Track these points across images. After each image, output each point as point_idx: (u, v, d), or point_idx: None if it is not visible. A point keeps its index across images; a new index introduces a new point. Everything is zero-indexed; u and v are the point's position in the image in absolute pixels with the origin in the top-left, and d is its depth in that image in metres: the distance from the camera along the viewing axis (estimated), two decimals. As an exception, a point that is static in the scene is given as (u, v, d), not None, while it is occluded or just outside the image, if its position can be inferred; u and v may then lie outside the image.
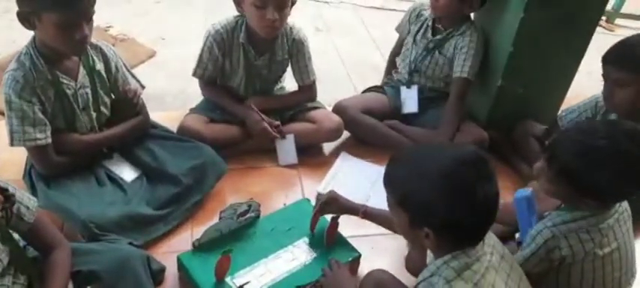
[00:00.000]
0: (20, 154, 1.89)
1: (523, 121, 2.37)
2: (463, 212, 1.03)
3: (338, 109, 2.38)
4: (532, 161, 2.10)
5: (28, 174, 1.86)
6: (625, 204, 1.38)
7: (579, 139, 1.23)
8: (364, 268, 1.74)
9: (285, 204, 1.99)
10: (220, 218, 1.77)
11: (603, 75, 1.79)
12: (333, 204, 1.71)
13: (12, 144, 1.72)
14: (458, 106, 2.30)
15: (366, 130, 2.38)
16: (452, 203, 1.03)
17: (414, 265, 1.58)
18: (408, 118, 2.43)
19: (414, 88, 2.42)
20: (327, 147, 2.41)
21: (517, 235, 1.55)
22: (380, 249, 1.88)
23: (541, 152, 1.33)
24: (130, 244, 1.67)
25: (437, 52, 2.36)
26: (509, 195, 2.17)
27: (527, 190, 1.46)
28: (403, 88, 2.44)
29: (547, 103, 2.45)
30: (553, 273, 1.36)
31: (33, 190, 1.80)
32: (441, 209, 1.04)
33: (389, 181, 1.16)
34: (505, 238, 1.52)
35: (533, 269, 1.34)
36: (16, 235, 1.41)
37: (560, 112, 2.09)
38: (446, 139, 2.24)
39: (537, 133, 2.32)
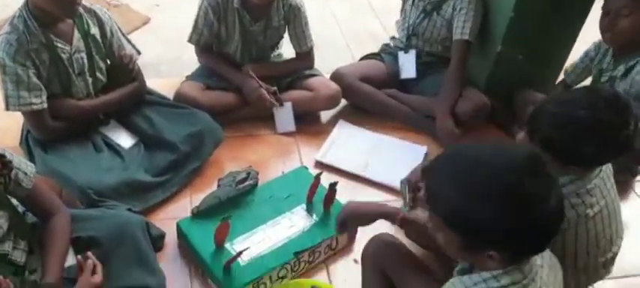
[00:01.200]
0: (17, 121, 1.87)
1: (523, 90, 2.37)
2: (532, 226, 0.88)
3: (335, 76, 2.36)
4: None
5: (25, 140, 1.84)
6: None
7: (559, 111, 1.22)
8: (362, 234, 1.76)
9: (283, 172, 1.99)
10: (219, 186, 1.77)
11: (603, 8, 1.88)
12: (356, 217, 1.46)
13: (7, 108, 1.71)
14: (460, 71, 2.27)
15: (363, 98, 2.37)
16: (516, 217, 0.87)
17: (415, 233, 1.57)
18: (407, 86, 2.42)
19: (412, 53, 2.40)
20: (325, 115, 2.40)
21: None
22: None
23: (526, 124, 1.31)
24: (129, 210, 1.67)
25: (435, 14, 2.32)
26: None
27: None
28: (401, 53, 2.42)
29: (546, 72, 2.44)
30: None
31: (30, 156, 1.79)
32: (503, 225, 0.87)
33: (432, 198, 0.96)
34: None
35: None
36: (15, 202, 1.42)
37: (565, 66, 2.11)
38: (447, 106, 2.22)
39: (536, 100, 2.32)
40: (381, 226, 1.53)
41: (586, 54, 2.13)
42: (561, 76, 2.38)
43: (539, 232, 0.91)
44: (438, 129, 2.23)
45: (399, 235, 1.59)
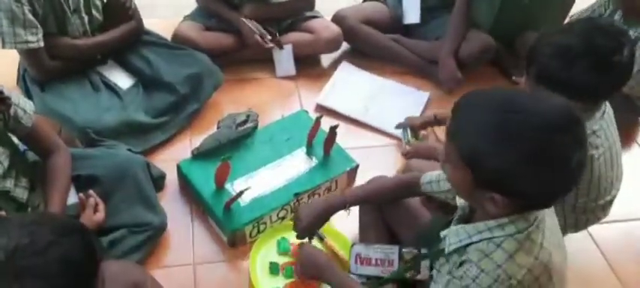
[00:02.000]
0: (13, 59, 1.84)
1: (525, 33, 2.33)
2: (550, 183, 0.86)
3: (337, 18, 2.31)
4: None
5: (22, 79, 1.83)
6: (607, 102, 1.38)
7: (552, 40, 1.21)
8: (360, 178, 1.77)
9: (283, 115, 1.98)
10: (218, 128, 1.77)
11: None
12: (312, 223, 1.37)
13: (3, 46, 1.68)
14: (464, 14, 2.21)
15: (365, 41, 2.33)
16: (537, 172, 0.85)
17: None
18: (410, 31, 2.37)
19: None
20: (326, 59, 2.37)
21: None
22: (376, 160, 1.91)
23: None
24: (129, 150, 1.67)
25: None
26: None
27: None
28: None
29: (551, 16, 2.39)
30: None
31: (28, 95, 1.78)
32: (522, 180, 0.85)
33: (458, 133, 0.92)
34: None
35: None
36: (15, 140, 1.42)
37: (570, 17, 2.06)
38: (450, 49, 2.17)
39: None
40: (372, 173, 1.54)
41: (593, 9, 2.04)
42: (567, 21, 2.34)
43: (555, 190, 0.89)
44: (440, 72, 2.20)
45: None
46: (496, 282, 0.90)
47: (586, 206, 1.39)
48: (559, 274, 0.97)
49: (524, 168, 0.84)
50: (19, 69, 1.87)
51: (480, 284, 0.91)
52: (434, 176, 1.26)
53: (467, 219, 1.05)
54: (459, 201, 1.09)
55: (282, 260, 1.51)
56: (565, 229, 1.42)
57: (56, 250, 0.72)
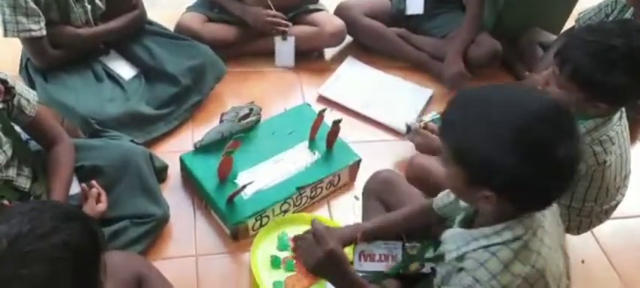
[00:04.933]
0: (15, 48, 1.83)
1: (530, 29, 2.33)
2: (536, 175, 0.85)
3: (340, 10, 2.30)
4: (537, 69, 2.10)
5: (25, 68, 1.82)
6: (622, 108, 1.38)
7: (593, 39, 1.20)
8: (362, 173, 1.77)
9: (285, 109, 1.98)
10: (221, 121, 1.76)
11: None
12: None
13: (6, 35, 1.67)
14: (479, 13, 2.20)
15: (369, 35, 2.31)
16: (523, 163, 0.84)
17: (416, 174, 1.59)
18: (414, 25, 2.35)
19: None
20: (329, 52, 2.36)
21: None
22: (378, 154, 1.91)
23: (553, 58, 1.29)
24: (132, 141, 1.67)
25: None
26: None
27: None
28: None
29: (555, 12, 2.39)
30: None
31: (30, 85, 1.77)
32: (509, 169, 0.84)
33: (447, 130, 0.94)
34: None
35: None
36: (18, 129, 1.41)
37: (578, 14, 2.05)
38: (461, 47, 2.16)
39: (544, 40, 2.28)
40: (375, 167, 1.55)
41: (600, 8, 2.02)
42: (570, 22, 2.33)
43: (543, 185, 0.86)
44: (447, 69, 2.17)
45: (400, 172, 1.61)
46: None
47: (591, 210, 1.39)
48: (557, 279, 0.96)
49: (507, 159, 0.84)
50: (22, 58, 1.86)
51: None
52: (445, 197, 1.22)
53: (470, 220, 1.04)
54: (463, 202, 1.08)
55: (283, 254, 1.51)
56: (567, 231, 1.42)
57: (58, 236, 0.72)
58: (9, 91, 1.30)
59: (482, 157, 0.86)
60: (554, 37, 2.34)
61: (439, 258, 1.08)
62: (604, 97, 1.21)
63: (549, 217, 1.00)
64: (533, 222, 0.93)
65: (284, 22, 2.14)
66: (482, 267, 0.91)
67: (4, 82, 1.27)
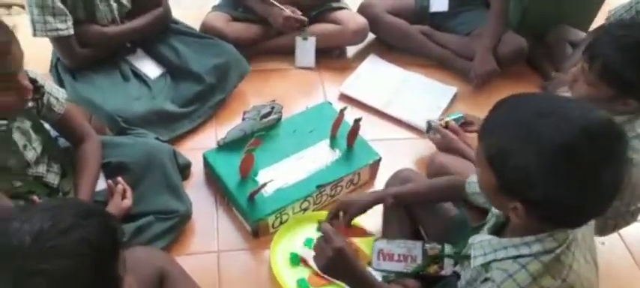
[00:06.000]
0: (46, 47, 1.90)
1: (558, 26, 2.27)
2: (573, 196, 0.79)
3: (363, 9, 2.29)
4: (566, 68, 2.05)
5: (55, 67, 1.87)
6: None
7: (624, 33, 1.17)
8: (383, 171, 1.77)
9: (307, 107, 1.99)
10: (244, 119, 1.78)
11: None
12: (351, 209, 1.37)
13: (35, 34, 1.72)
14: (505, 9, 2.15)
15: (392, 32, 2.30)
16: (561, 183, 0.79)
17: (436, 173, 1.58)
18: (438, 22, 2.32)
19: None
20: (351, 50, 2.36)
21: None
22: (398, 152, 1.90)
23: (582, 54, 1.26)
24: (157, 139, 1.71)
25: None
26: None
27: None
28: None
29: (584, 8, 2.32)
30: None
31: (60, 83, 1.82)
32: (544, 186, 0.80)
33: (487, 131, 0.89)
34: None
35: None
36: (47, 127, 1.46)
37: (608, 12, 2.00)
38: (491, 44, 2.12)
39: (573, 38, 2.22)
40: (395, 166, 1.55)
41: (631, 5, 1.95)
42: (600, 19, 2.26)
43: (580, 206, 0.81)
44: (479, 67, 2.14)
45: (421, 171, 1.60)
46: None
47: (617, 211, 1.36)
48: None
49: (544, 175, 0.79)
50: (52, 57, 1.92)
51: None
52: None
53: (500, 228, 1.02)
54: (495, 209, 1.04)
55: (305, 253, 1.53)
56: None
57: (77, 232, 0.74)
58: (38, 89, 1.35)
59: (516, 168, 0.82)
60: (584, 34, 2.28)
61: (463, 257, 1.06)
62: (634, 94, 1.18)
63: (584, 228, 0.96)
64: (567, 236, 0.88)
65: (299, 20, 2.14)
66: (511, 279, 0.87)
67: (33, 81, 1.32)
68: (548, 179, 0.79)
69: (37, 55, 1.96)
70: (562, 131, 0.79)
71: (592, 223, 1.00)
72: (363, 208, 1.38)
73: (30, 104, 1.34)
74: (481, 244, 0.96)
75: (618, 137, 0.81)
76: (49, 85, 1.41)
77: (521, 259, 0.88)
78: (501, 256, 0.91)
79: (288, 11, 2.11)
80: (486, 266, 0.94)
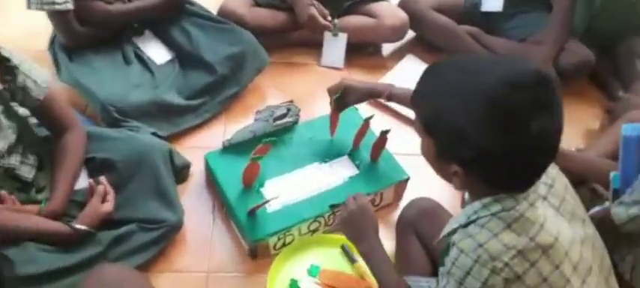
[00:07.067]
0: (47, 22, 1.73)
1: (628, 38, 1.97)
2: (505, 149, 0.80)
3: (405, 3, 2.08)
4: (636, 88, 1.77)
5: (52, 44, 1.71)
6: None
7: None
8: (409, 193, 1.52)
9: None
10: (255, 119, 1.57)
11: None
12: (351, 94, 1.48)
13: (29, 7, 1.57)
14: (570, 14, 1.92)
15: (436, 32, 2.06)
16: (491, 135, 0.79)
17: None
18: (489, 23, 2.08)
19: None
20: (387, 48, 2.13)
21: (611, 175, 1.28)
22: (431, 174, 1.63)
23: None
24: (154, 134, 1.51)
25: None
26: (595, 122, 1.88)
27: (638, 126, 1.18)
28: None
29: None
30: None
31: (56, 63, 1.66)
32: (476, 140, 0.80)
33: (416, 97, 0.92)
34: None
35: None
36: (26, 112, 1.29)
37: None
38: (552, 53, 1.89)
39: None
40: (425, 186, 1.37)
41: None
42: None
43: (511, 159, 0.81)
44: None
45: (445, 193, 1.38)
46: (477, 263, 0.82)
47: None
48: (574, 261, 0.86)
49: (473, 129, 0.80)
50: (52, 33, 1.75)
51: (460, 267, 0.84)
52: None
53: None
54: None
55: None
56: None
57: None
58: (10, 70, 1.17)
59: (447, 127, 0.84)
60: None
61: (444, 252, 0.98)
62: None
63: (559, 190, 0.92)
64: (527, 194, 0.87)
65: (325, 25, 1.92)
66: (469, 237, 0.86)
67: (5, 59, 1.14)
68: (478, 133, 0.80)
69: (35, 29, 1.81)
70: (486, 84, 0.81)
71: (569, 185, 0.96)
72: (359, 101, 1.51)
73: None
74: (449, 221, 0.96)
75: (545, 85, 0.82)
76: (29, 66, 1.24)
77: (480, 220, 0.87)
78: (462, 222, 0.90)
79: (314, 10, 1.88)
80: (451, 234, 0.92)
